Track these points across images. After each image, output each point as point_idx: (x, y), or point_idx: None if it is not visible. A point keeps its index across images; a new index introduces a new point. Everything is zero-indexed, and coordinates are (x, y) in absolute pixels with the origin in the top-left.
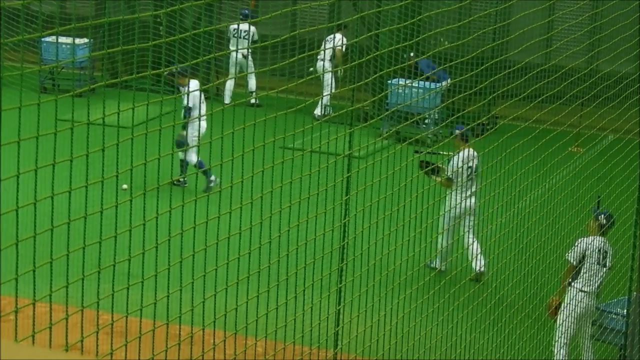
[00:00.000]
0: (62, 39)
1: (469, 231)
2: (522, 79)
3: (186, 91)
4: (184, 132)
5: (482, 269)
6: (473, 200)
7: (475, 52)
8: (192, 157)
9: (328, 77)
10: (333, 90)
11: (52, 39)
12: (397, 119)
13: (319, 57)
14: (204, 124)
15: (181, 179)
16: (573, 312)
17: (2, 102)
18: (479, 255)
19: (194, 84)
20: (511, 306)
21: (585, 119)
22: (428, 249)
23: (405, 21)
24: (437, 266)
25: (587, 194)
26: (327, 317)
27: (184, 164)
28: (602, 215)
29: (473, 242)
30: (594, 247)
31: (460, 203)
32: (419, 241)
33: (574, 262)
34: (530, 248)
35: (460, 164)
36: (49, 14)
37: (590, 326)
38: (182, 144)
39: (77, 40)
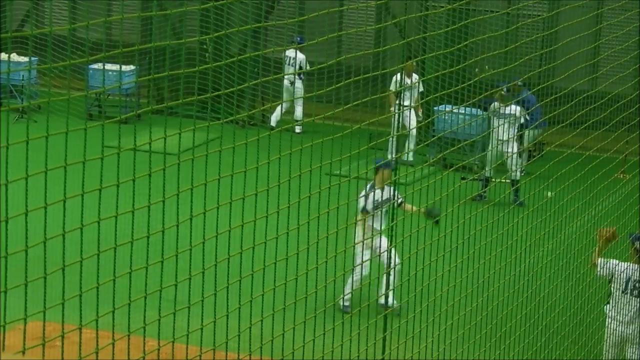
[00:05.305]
0: (108, 66)
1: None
2: (568, 105)
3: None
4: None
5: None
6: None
7: (521, 78)
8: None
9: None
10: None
11: (98, 66)
12: (444, 146)
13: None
14: None
15: (483, 194)
16: (610, 341)
17: (50, 128)
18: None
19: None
20: (558, 332)
21: (631, 145)
22: (473, 276)
23: (451, 46)
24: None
25: (633, 221)
26: (375, 344)
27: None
28: (637, 241)
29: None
30: (625, 274)
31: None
32: (464, 268)
33: (601, 271)
34: (577, 274)
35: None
36: (95, 40)
37: (635, 352)
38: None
39: (124, 67)
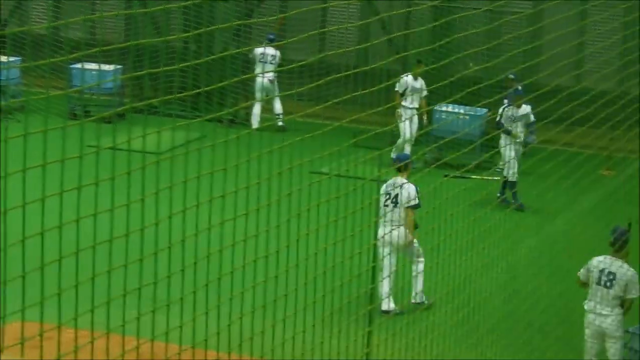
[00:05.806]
0: (91, 66)
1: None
2: (552, 101)
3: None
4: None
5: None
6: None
7: (504, 74)
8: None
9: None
10: (407, 137)
11: (81, 65)
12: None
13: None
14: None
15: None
16: (588, 333)
17: (29, 127)
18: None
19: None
20: (541, 329)
21: (616, 142)
22: (457, 272)
23: (433, 43)
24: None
25: (617, 217)
26: (355, 340)
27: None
28: (613, 234)
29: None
30: (598, 266)
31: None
32: (447, 264)
33: (582, 278)
34: (561, 271)
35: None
36: (78, 39)
37: (617, 348)
38: None
39: (107, 67)
